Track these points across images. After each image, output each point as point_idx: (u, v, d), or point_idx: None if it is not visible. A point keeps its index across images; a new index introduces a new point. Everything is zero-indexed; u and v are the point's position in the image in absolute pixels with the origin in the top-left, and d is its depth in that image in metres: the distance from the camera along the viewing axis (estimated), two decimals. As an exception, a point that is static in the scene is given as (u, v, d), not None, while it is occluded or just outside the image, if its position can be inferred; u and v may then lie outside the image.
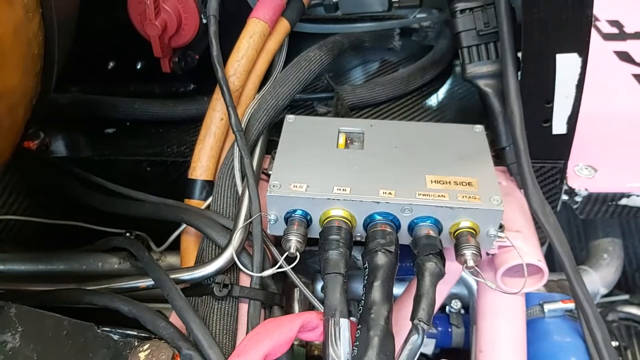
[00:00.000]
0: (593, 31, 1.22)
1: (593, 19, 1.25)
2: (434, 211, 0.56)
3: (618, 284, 1.10)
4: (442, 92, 0.89)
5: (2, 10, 0.45)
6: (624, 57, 1.10)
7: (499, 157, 0.72)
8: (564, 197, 0.78)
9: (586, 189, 0.76)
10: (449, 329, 0.78)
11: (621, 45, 1.14)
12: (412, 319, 0.50)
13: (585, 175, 0.78)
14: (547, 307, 0.73)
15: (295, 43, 0.83)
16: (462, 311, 0.80)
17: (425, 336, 0.50)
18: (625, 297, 1.03)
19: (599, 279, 0.84)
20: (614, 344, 1.03)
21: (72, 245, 0.80)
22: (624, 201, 0.77)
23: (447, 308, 0.80)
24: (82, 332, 0.55)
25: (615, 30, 1.19)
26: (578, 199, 0.77)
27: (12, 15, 0.46)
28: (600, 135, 0.85)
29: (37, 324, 0.53)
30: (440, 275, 0.53)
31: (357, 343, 0.49)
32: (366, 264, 0.54)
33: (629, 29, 1.19)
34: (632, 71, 1.05)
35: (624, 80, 1.02)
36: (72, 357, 0.53)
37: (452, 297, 0.80)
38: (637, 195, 0.77)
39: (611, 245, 0.88)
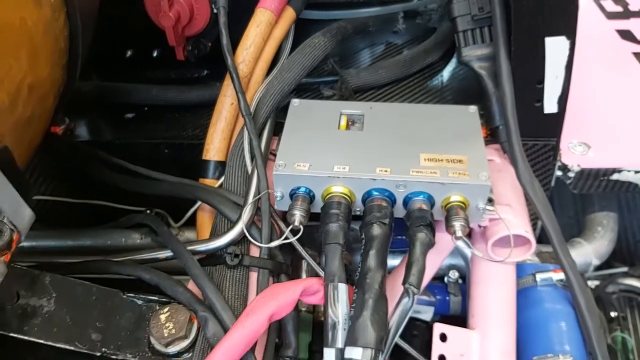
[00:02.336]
0: (597, 10, 1.25)
1: (597, -3, 1.26)
2: (426, 187, 0.61)
3: (620, 257, 1.14)
4: (443, 74, 0.93)
5: (32, 10, 0.50)
6: (626, 35, 1.11)
7: (493, 136, 0.76)
8: (558, 172, 0.82)
9: (579, 165, 0.80)
10: (447, 297, 0.83)
11: (624, 24, 1.15)
12: (404, 283, 0.55)
13: (579, 152, 0.82)
14: (539, 276, 0.77)
15: (303, 29, 0.88)
16: (460, 281, 0.85)
17: (415, 299, 0.56)
18: (625, 269, 1.07)
19: (592, 250, 0.88)
20: (613, 314, 1.08)
21: (97, 223, 0.86)
22: (615, 176, 0.81)
23: (446, 278, 0.85)
24: (110, 297, 0.61)
25: (619, 9, 1.20)
26: (571, 174, 0.81)
27: (42, 15, 0.51)
28: (595, 113, 0.88)
29: (69, 291, 0.60)
30: (430, 244, 0.58)
31: (354, 305, 0.55)
32: (363, 235, 0.60)
33: (633, 7, 1.20)
34: (633, 49, 1.06)
35: (623, 59, 1.04)
36: (101, 319, 0.59)
37: (450, 267, 0.85)
38: (628, 171, 0.80)
39: (606, 218, 0.92)
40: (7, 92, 0.46)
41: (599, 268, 1.05)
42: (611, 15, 1.18)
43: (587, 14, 1.19)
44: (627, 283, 1.07)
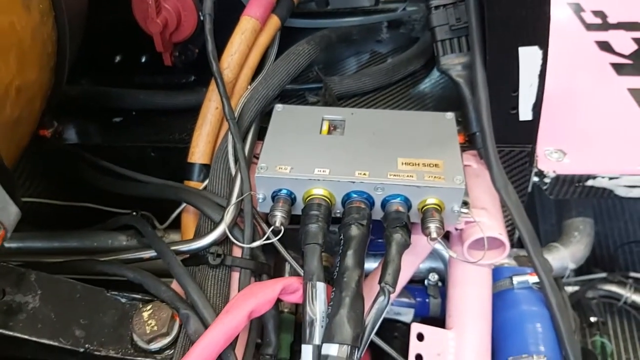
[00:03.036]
0: (577, 21, 1.28)
1: (578, 9, 1.30)
2: (403, 190, 0.63)
3: (601, 263, 1.17)
4: (425, 82, 0.95)
5: (21, 15, 0.52)
6: (604, 46, 1.15)
7: (471, 142, 0.78)
8: (535, 178, 0.84)
9: (554, 171, 0.83)
10: (427, 300, 0.85)
11: (603, 35, 1.18)
12: (380, 282, 0.57)
13: (554, 158, 0.84)
14: (515, 279, 0.79)
15: (288, 37, 0.90)
16: (440, 284, 0.87)
17: (391, 297, 0.57)
18: (604, 275, 1.10)
19: (568, 255, 0.90)
20: (593, 319, 1.10)
21: (84, 225, 0.88)
22: (590, 182, 0.83)
23: (426, 281, 0.87)
24: (94, 295, 0.63)
25: (598, 21, 1.24)
26: (547, 180, 0.83)
27: (30, 19, 0.53)
28: (572, 121, 0.91)
29: (54, 288, 0.61)
30: (405, 245, 0.60)
31: (332, 303, 0.57)
32: (341, 236, 0.61)
33: (612, 19, 1.24)
34: (611, 60, 1.10)
35: (601, 69, 1.07)
36: (85, 316, 0.60)
37: (430, 270, 0.87)
38: (603, 177, 0.83)
39: (582, 224, 0.94)
40: (-4, 93, 0.48)
41: (578, 273, 1.08)
42: (590, 27, 1.22)
43: (568, 26, 1.23)
44: (607, 289, 1.10)
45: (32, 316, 0.59)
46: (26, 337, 0.58)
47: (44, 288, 0.61)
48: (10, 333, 0.57)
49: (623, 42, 1.15)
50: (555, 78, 0.98)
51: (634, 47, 1.13)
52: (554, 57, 0.92)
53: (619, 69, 1.07)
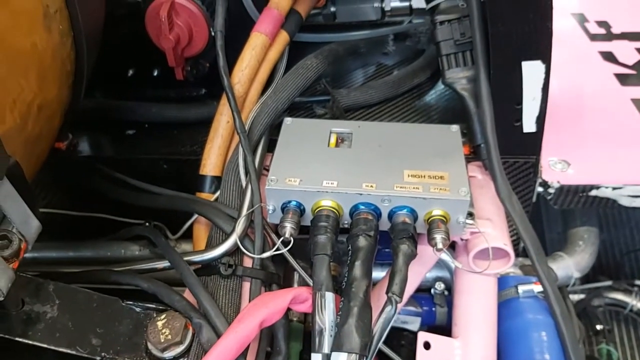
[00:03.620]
0: (581, 32, 1.30)
1: (582, 19, 1.32)
2: (409, 201, 0.65)
3: (606, 271, 1.18)
4: (430, 94, 0.97)
5: (42, 35, 0.54)
6: (608, 57, 1.16)
7: (475, 154, 0.80)
8: (539, 189, 0.86)
9: (558, 182, 0.84)
10: (433, 309, 0.87)
11: (607, 46, 1.20)
12: (387, 292, 0.59)
13: (558, 169, 0.86)
14: (521, 288, 0.80)
15: (296, 51, 0.92)
16: (446, 292, 0.88)
17: (398, 307, 0.59)
18: (609, 283, 1.10)
19: (573, 264, 0.91)
20: (599, 327, 1.11)
21: (97, 235, 0.90)
22: (594, 192, 0.84)
23: (432, 290, 0.88)
24: (109, 304, 0.64)
25: (602, 31, 1.25)
26: (551, 190, 0.84)
27: (51, 40, 0.55)
28: (575, 132, 0.93)
29: (71, 298, 0.63)
30: (412, 255, 0.62)
31: (340, 313, 0.58)
32: (349, 246, 0.63)
33: (615, 29, 1.25)
34: (615, 70, 1.11)
35: (605, 80, 1.08)
36: (101, 325, 0.62)
37: (436, 279, 0.88)
38: (606, 187, 0.84)
39: (587, 233, 0.95)
40: (19, 112, 0.50)
41: (584, 281, 1.09)
42: (595, 37, 1.23)
43: (572, 36, 1.25)
44: (612, 297, 1.11)
45: (51, 325, 0.61)
46: (45, 345, 0.59)
47: (61, 298, 0.63)
48: (30, 342, 0.59)
49: (627, 52, 1.17)
50: (559, 88, 1.00)
51: (638, 57, 1.15)
52: (558, 68, 0.94)
53: (622, 79, 1.08)
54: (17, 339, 0.59)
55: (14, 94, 0.50)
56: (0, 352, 0.62)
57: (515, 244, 0.83)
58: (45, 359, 0.63)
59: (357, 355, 0.55)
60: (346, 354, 0.55)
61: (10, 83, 0.49)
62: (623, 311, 1.12)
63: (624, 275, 1.20)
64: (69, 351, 0.60)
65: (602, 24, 1.28)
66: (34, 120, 0.54)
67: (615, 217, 1.32)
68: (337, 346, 0.56)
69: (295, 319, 0.79)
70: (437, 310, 0.86)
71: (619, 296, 1.11)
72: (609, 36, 1.24)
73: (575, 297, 1.09)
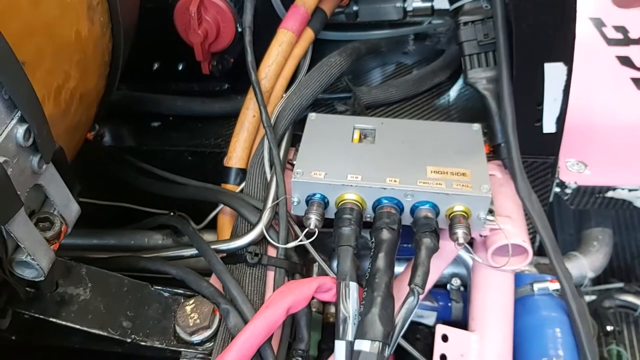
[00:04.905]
0: (598, 36, 1.31)
1: (600, 24, 1.33)
2: (432, 197, 0.66)
3: (618, 273, 1.19)
4: (450, 94, 0.99)
5: (86, 26, 0.56)
6: (625, 61, 1.17)
7: (495, 153, 0.81)
8: (557, 189, 0.87)
9: (575, 182, 0.85)
10: (449, 304, 0.88)
11: (624, 51, 1.21)
12: (410, 283, 0.61)
13: (576, 170, 0.87)
14: (536, 285, 0.81)
15: (320, 48, 0.94)
16: (462, 288, 0.89)
17: (420, 298, 0.61)
18: (620, 285, 1.11)
19: (587, 263, 0.92)
20: (609, 328, 1.12)
21: (122, 224, 0.92)
22: (610, 194, 0.86)
23: (448, 285, 0.90)
24: (139, 289, 0.67)
25: (620, 36, 1.26)
26: (568, 191, 0.86)
27: (93, 30, 0.58)
28: (593, 134, 0.94)
29: (103, 282, 0.66)
30: (434, 249, 0.64)
31: (364, 302, 0.60)
32: (373, 239, 0.65)
33: (633, 34, 1.26)
34: (632, 75, 1.12)
35: (622, 84, 1.09)
36: (132, 309, 0.65)
37: (452, 275, 0.90)
38: (622, 189, 0.85)
39: (601, 234, 0.96)
40: (64, 98, 0.52)
41: (596, 283, 1.10)
42: (612, 42, 1.24)
43: (589, 41, 1.25)
44: (623, 299, 1.12)
45: (83, 307, 0.63)
46: (77, 326, 0.62)
47: (93, 281, 0.65)
48: (63, 322, 0.62)
49: (644, 57, 1.18)
50: (577, 92, 1.01)
51: (655, 62, 1.15)
52: (576, 71, 0.95)
53: (639, 83, 1.09)
54: (50, 319, 0.61)
55: (60, 80, 0.52)
56: (34, 332, 0.64)
57: (531, 242, 0.84)
58: (76, 340, 0.65)
59: (380, 343, 0.57)
60: (369, 341, 0.57)
61: (57, 70, 0.51)
62: (634, 313, 1.12)
63: (635, 277, 1.21)
64: (100, 332, 0.62)
65: (620, 28, 1.28)
66: (75, 108, 0.56)
67: (627, 220, 1.33)
68: (360, 334, 0.58)
69: (314, 309, 0.81)
70: (453, 305, 0.88)
71: (630, 298, 1.12)
72: (627, 41, 1.25)
73: (587, 298, 1.10)
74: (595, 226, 0.98)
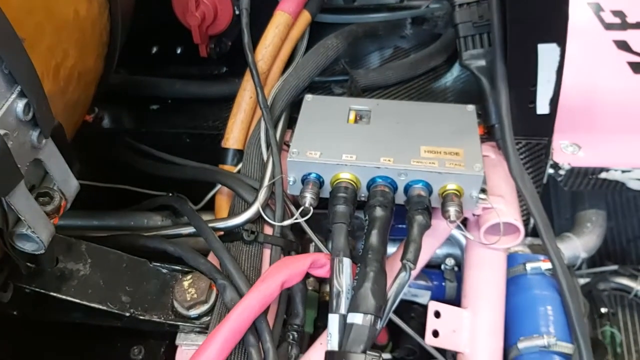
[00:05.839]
0: (596, 20, 1.31)
1: (598, 9, 1.33)
2: (425, 175, 0.68)
3: (613, 257, 1.20)
4: (446, 77, 1.00)
5: (84, 5, 0.57)
6: (622, 45, 1.17)
7: (490, 134, 0.82)
8: (550, 170, 0.88)
9: (569, 164, 0.86)
10: (443, 283, 0.90)
11: (621, 35, 1.20)
12: (402, 259, 0.62)
13: (570, 151, 0.88)
14: (529, 265, 0.82)
15: (317, 31, 0.95)
16: (456, 269, 0.91)
17: (412, 274, 0.62)
18: (615, 267, 1.13)
19: (580, 244, 0.94)
20: (604, 310, 1.13)
21: (121, 205, 0.94)
22: (603, 175, 0.87)
23: (443, 266, 0.91)
24: (138, 265, 0.68)
25: (617, 20, 1.26)
26: (562, 172, 0.87)
27: (91, 10, 0.59)
28: (587, 117, 0.94)
29: (102, 258, 0.67)
30: (426, 226, 0.65)
31: (357, 277, 0.62)
32: (367, 217, 0.66)
33: (631, 19, 1.26)
34: (628, 59, 1.12)
35: (617, 68, 1.09)
36: (131, 284, 0.66)
37: (447, 256, 0.91)
38: (615, 170, 0.86)
39: (595, 215, 0.98)
40: (63, 77, 0.54)
41: (591, 265, 1.11)
42: (609, 27, 1.24)
43: (587, 25, 1.26)
44: (618, 281, 1.13)
45: (83, 282, 0.65)
46: (77, 301, 0.63)
47: (93, 257, 0.66)
48: (63, 297, 0.63)
49: (641, 41, 1.18)
50: (573, 75, 1.02)
51: (652, 46, 1.16)
52: (573, 55, 0.95)
53: (635, 67, 1.09)
54: (51, 293, 0.63)
55: (59, 58, 0.53)
56: (35, 306, 0.65)
57: (525, 223, 0.86)
58: (77, 315, 0.66)
59: (372, 317, 0.58)
60: (362, 314, 0.58)
61: (56, 48, 0.53)
62: (628, 296, 1.14)
63: (631, 261, 1.22)
64: (100, 307, 0.63)
65: (618, 13, 1.28)
66: (74, 86, 0.57)
67: (624, 205, 1.34)
68: (353, 307, 0.59)
69: (310, 287, 0.83)
70: (447, 284, 0.89)
71: (624, 281, 1.13)
72: (624, 25, 1.24)
73: (581, 281, 1.12)
74: (588, 208, 1.00)
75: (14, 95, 0.45)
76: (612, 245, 1.26)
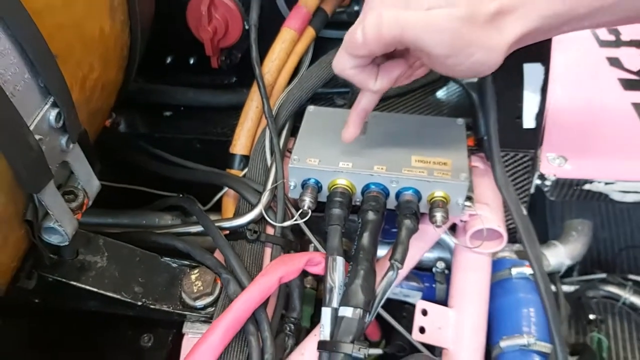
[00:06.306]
0: (591, 37, 1.36)
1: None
2: (414, 183, 0.73)
3: (605, 265, 1.24)
4: (442, 91, 1.05)
5: (107, 23, 0.64)
6: (614, 62, 1.22)
7: (479, 146, 0.88)
8: (537, 181, 0.93)
9: (555, 175, 0.91)
10: (434, 285, 0.95)
11: (614, 52, 1.25)
12: (390, 259, 0.68)
13: (556, 164, 0.93)
14: (514, 270, 0.87)
15: (321, 45, 1.01)
16: (446, 271, 0.96)
17: (399, 273, 0.68)
18: (603, 275, 1.17)
19: (565, 252, 0.98)
20: (592, 316, 1.18)
21: (134, 205, 1.00)
22: (587, 186, 0.92)
23: (434, 269, 0.97)
24: (150, 259, 0.74)
25: (612, 38, 1.31)
26: (548, 183, 0.92)
27: (114, 27, 0.65)
28: (575, 131, 0.99)
29: (118, 251, 0.73)
30: (414, 229, 0.70)
31: (349, 275, 0.67)
32: (359, 220, 0.72)
33: (625, 37, 1.31)
34: (619, 75, 1.17)
35: (608, 84, 1.14)
36: (143, 276, 0.72)
37: (438, 259, 0.97)
38: (599, 182, 0.92)
39: (581, 225, 1.03)
40: (88, 88, 0.60)
41: (582, 273, 1.16)
42: (603, 44, 1.29)
43: (582, 41, 1.31)
44: (607, 289, 1.18)
45: (100, 273, 0.71)
46: (95, 289, 0.70)
47: (110, 251, 0.73)
48: (82, 285, 0.70)
49: (633, 59, 1.22)
50: (564, 90, 1.07)
51: (643, 64, 1.21)
52: (566, 71, 1.02)
53: (625, 84, 1.14)
54: (71, 282, 0.69)
55: (85, 71, 0.59)
56: (56, 295, 0.72)
57: (514, 232, 0.91)
58: (94, 304, 0.73)
59: (361, 310, 0.64)
60: (352, 308, 0.64)
61: (83, 62, 0.59)
62: (617, 304, 1.18)
63: (621, 270, 1.26)
64: (115, 295, 0.70)
65: (613, 31, 1.33)
66: (97, 96, 0.63)
67: (617, 216, 1.38)
68: (344, 302, 0.65)
69: (308, 286, 0.89)
70: (437, 286, 0.94)
71: (613, 289, 1.17)
72: (618, 43, 1.29)
73: (571, 288, 1.16)
74: (575, 217, 1.05)
75: (47, 106, 0.52)
76: (604, 254, 1.30)
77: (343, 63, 0.63)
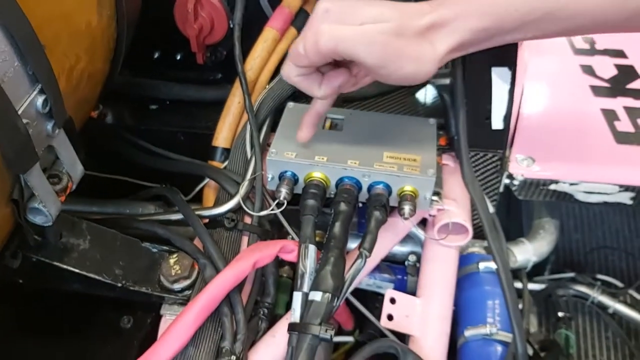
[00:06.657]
0: (566, 45, 1.41)
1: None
2: (385, 177, 0.77)
3: (577, 266, 1.29)
4: (421, 92, 1.09)
5: (95, 17, 0.68)
6: (587, 70, 1.27)
7: (450, 145, 0.92)
8: (506, 180, 0.97)
9: (522, 175, 0.96)
10: (405, 277, 0.99)
11: (588, 60, 1.30)
12: (359, 248, 0.72)
13: (524, 165, 0.97)
14: (481, 264, 0.91)
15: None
16: (418, 265, 1.00)
17: (367, 260, 0.71)
18: (572, 274, 1.22)
19: (531, 249, 1.03)
20: (561, 314, 1.22)
21: (119, 195, 1.03)
22: (553, 186, 0.96)
23: (406, 262, 1.01)
24: (131, 244, 0.78)
25: (587, 47, 1.36)
26: (515, 182, 0.96)
27: (101, 21, 0.69)
28: (545, 134, 1.04)
29: (100, 235, 0.77)
30: (382, 220, 0.74)
31: (320, 262, 0.71)
32: (332, 210, 0.76)
33: (599, 45, 1.36)
34: (591, 82, 1.22)
35: (579, 90, 1.19)
36: (124, 260, 0.76)
37: (410, 253, 1.01)
38: (564, 182, 0.96)
39: (548, 224, 1.07)
40: (75, 77, 0.64)
41: (554, 272, 1.20)
42: (578, 52, 1.34)
43: (558, 50, 1.36)
44: (577, 289, 1.22)
45: (83, 255, 0.74)
46: (77, 270, 0.73)
47: (92, 235, 0.76)
48: (65, 266, 0.73)
49: (605, 67, 1.27)
50: (538, 95, 1.12)
51: (614, 72, 1.25)
52: (540, 77, 1.06)
53: (596, 90, 1.19)
54: (54, 263, 0.72)
55: (72, 61, 0.63)
56: (39, 275, 0.75)
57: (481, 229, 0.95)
58: (77, 286, 0.76)
59: (330, 295, 0.68)
60: (321, 293, 0.67)
61: (70, 53, 0.63)
62: (585, 302, 1.22)
63: (592, 270, 1.31)
64: (96, 277, 0.73)
65: (588, 40, 1.38)
66: (83, 86, 0.67)
67: (590, 218, 1.43)
68: (314, 287, 0.68)
69: (285, 275, 0.92)
70: (409, 278, 0.98)
71: (582, 288, 1.21)
72: (592, 51, 1.34)
73: (542, 286, 1.21)
74: (544, 217, 1.09)
75: (35, 92, 0.55)
76: (576, 255, 1.35)
77: (289, 71, 0.69)
